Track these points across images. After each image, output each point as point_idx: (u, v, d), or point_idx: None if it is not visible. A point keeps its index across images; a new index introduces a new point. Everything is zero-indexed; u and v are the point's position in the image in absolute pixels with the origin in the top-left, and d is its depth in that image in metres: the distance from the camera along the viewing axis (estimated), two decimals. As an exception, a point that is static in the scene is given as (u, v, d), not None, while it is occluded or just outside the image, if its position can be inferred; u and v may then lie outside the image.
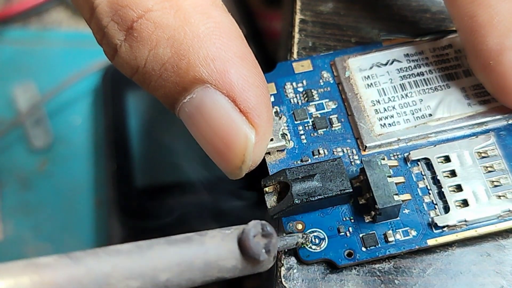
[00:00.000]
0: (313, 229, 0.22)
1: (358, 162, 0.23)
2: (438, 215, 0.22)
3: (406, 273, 0.22)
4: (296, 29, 0.27)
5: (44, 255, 0.46)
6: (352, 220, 0.22)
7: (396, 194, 0.21)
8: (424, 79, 0.24)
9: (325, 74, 0.25)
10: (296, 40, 0.27)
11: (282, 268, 0.22)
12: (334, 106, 0.24)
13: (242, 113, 0.20)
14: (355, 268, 0.22)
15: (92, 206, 0.45)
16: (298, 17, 0.27)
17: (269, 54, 0.45)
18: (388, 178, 0.21)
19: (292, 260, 0.22)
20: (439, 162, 0.23)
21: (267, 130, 0.21)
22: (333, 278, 0.22)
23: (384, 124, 0.23)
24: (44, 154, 0.47)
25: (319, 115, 0.24)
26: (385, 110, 0.24)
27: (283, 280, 0.22)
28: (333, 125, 0.24)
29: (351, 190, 0.22)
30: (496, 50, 0.22)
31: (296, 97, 0.25)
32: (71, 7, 0.52)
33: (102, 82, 0.48)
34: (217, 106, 0.20)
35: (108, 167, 0.44)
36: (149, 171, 0.44)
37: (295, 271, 0.22)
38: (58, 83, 0.47)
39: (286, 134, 0.24)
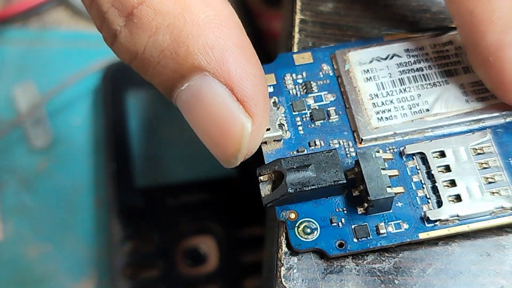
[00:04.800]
0: (306, 219, 0.22)
1: (353, 154, 0.23)
2: (431, 209, 0.22)
3: (406, 273, 0.22)
4: (296, 29, 0.27)
5: (44, 255, 0.47)
6: (345, 211, 0.22)
7: (389, 187, 0.21)
8: (423, 75, 0.24)
9: (325, 67, 0.25)
10: (296, 40, 0.27)
11: (282, 268, 0.22)
12: (332, 99, 0.24)
13: (239, 102, 0.20)
14: (355, 268, 0.22)
15: (92, 206, 0.45)
16: (298, 17, 0.27)
17: (269, 54, 0.45)
18: (382, 171, 0.21)
19: (292, 260, 0.22)
20: (434, 157, 0.23)
21: (263, 119, 0.21)
22: (333, 278, 0.22)
23: (381, 117, 0.23)
24: (44, 154, 0.47)
25: (317, 107, 0.24)
26: (383, 104, 0.24)
27: (283, 280, 0.22)
28: (331, 117, 0.24)
29: (345, 181, 0.22)
30: (495, 46, 0.22)
31: (295, 88, 0.25)
32: (71, 7, 0.52)
33: (102, 82, 0.48)
34: (215, 94, 0.20)
35: (108, 167, 0.44)
36: (149, 171, 0.44)
37: (295, 271, 0.22)
38: (58, 83, 0.47)
39: (284, 125, 0.24)
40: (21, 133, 0.47)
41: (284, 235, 0.22)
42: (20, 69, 0.50)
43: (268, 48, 0.48)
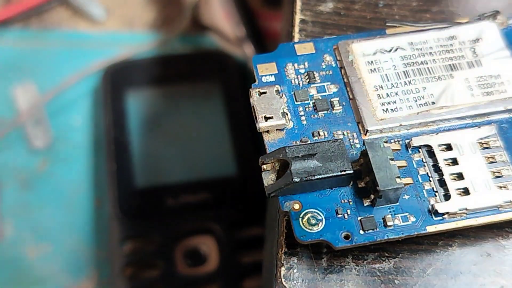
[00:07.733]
0: (310, 210, 0.22)
1: (358, 146, 0.23)
2: (438, 202, 0.22)
3: (406, 273, 0.22)
4: (296, 29, 0.27)
5: (44, 255, 0.47)
6: (351, 203, 0.22)
7: (398, 177, 0.21)
8: (427, 68, 0.24)
9: (328, 58, 0.25)
10: (296, 40, 0.27)
11: (282, 268, 0.22)
12: (335, 90, 0.24)
13: None
14: (355, 268, 0.22)
15: (92, 206, 0.45)
16: (298, 17, 0.27)
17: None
18: (390, 161, 0.21)
19: (292, 260, 0.22)
20: (440, 150, 0.22)
21: None
22: (333, 278, 0.22)
23: (387, 109, 0.23)
24: (44, 154, 0.47)
25: (320, 97, 0.24)
26: (388, 95, 0.24)
27: (283, 280, 0.22)
28: (334, 108, 0.24)
29: (352, 171, 0.21)
30: None
31: (297, 78, 0.24)
32: (71, 7, 0.52)
33: (102, 82, 0.48)
34: None
35: (108, 167, 0.44)
36: (149, 171, 0.44)
37: (295, 271, 0.22)
38: (58, 83, 0.48)
39: (287, 114, 0.23)
40: (21, 133, 0.47)
41: (284, 235, 0.22)
42: (20, 69, 0.50)
43: (268, 48, 0.48)
